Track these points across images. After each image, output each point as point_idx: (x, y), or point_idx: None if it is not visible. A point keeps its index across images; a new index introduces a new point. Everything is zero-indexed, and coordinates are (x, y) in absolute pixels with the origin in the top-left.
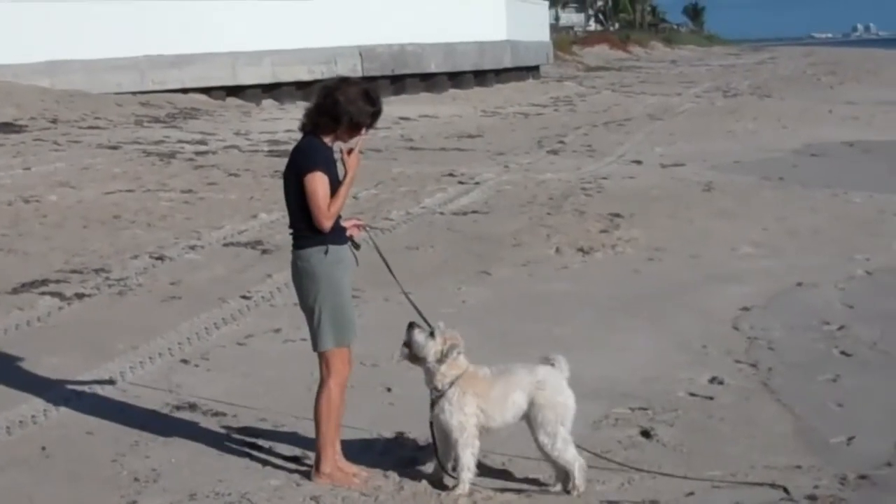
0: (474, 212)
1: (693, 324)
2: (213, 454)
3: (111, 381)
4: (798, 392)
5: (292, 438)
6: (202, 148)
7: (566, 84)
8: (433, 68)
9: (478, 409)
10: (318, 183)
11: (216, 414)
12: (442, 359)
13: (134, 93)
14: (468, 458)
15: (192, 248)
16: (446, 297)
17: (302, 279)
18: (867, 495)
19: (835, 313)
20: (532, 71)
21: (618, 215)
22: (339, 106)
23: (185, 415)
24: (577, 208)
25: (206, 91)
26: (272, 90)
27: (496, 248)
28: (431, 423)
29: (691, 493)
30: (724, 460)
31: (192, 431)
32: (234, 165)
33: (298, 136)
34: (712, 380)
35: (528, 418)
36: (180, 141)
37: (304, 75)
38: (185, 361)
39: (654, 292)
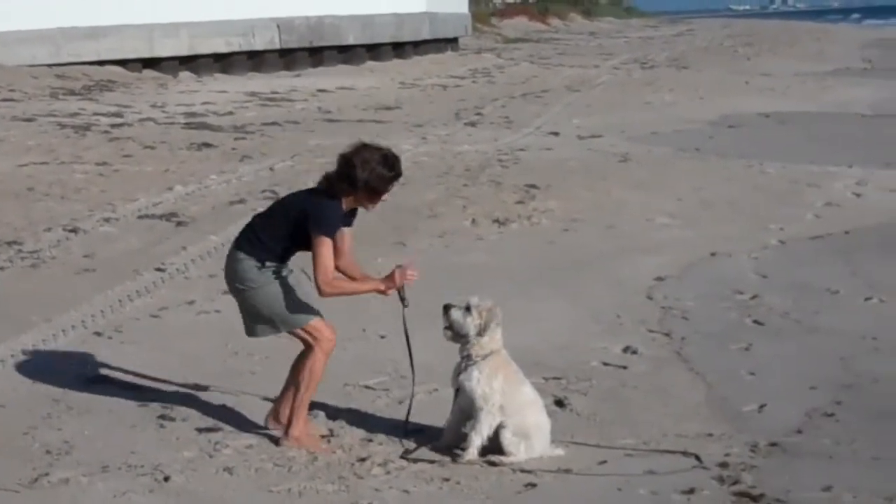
0: None
1: (608, 294)
2: (127, 426)
3: (24, 354)
4: (711, 361)
5: (206, 410)
6: (118, 120)
7: (485, 56)
8: (351, 40)
9: (502, 388)
10: (328, 248)
11: (129, 386)
12: (482, 332)
13: (49, 65)
14: (486, 428)
15: (107, 220)
16: (362, 267)
17: (235, 274)
18: (778, 462)
19: (748, 283)
20: (451, 43)
21: (534, 186)
22: (355, 172)
23: (99, 387)
24: (494, 179)
25: (123, 63)
26: (189, 62)
27: (412, 219)
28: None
29: (604, 462)
30: (636, 429)
31: (105, 404)
32: (150, 138)
33: (214, 107)
34: (626, 349)
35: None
36: (96, 113)
37: (221, 47)
38: (98, 334)
39: (569, 263)
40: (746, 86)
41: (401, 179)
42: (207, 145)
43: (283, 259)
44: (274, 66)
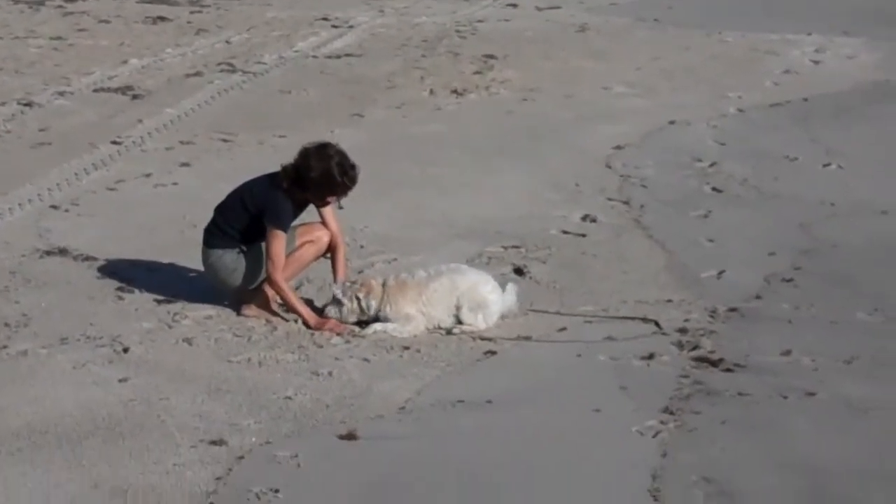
0: (348, 55)
1: (567, 163)
2: (84, 298)
3: None
4: (670, 228)
5: (164, 282)
6: None
7: None
8: None
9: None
10: (280, 241)
11: (87, 259)
12: (364, 308)
13: None
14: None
15: (62, 94)
16: (320, 139)
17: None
18: (736, 327)
19: (707, 150)
20: None
21: (492, 57)
22: (310, 176)
23: (56, 260)
24: (452, 50)
25: None
26: None
27: (370, 90)
28: None
29: (563, 329)
30: (596, 296)
31: (62, 276)
32: (105, 12)
33: None
34: (585, 217)
35: None
36: None
37: None
38: (54, 207)
39: (527, 133)
40: None
41: (355, 182)
42: (163, 19)
43: (252, 241)
44: None
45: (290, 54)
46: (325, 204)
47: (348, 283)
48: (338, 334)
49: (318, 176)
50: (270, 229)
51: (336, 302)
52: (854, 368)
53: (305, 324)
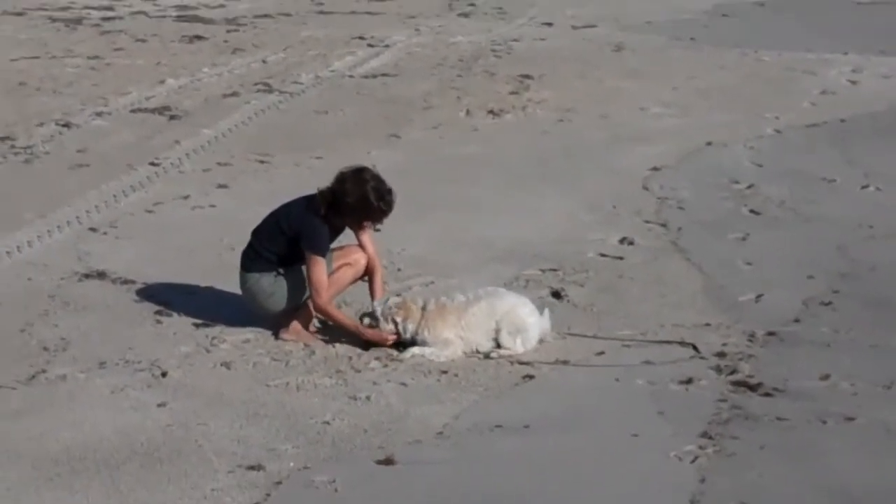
0: (384, 75)
1: (603, 184)
2: (123, 322)
3: (19, 251)
4: (707, 251)
5: (203, 305)
6: (109, 14)
7: None
8: None
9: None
10: (321, 267)
11: (125, 282)
12: (401, 331)
13: None
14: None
15: (99, 114)
16: (356, 160)
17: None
18: (775, 351)
19: (744, 172)
20: None
21: (528, 77)
22: (346, 202)
23: (94, 283)
24: (488, 70)
25: None
26: None
27: (406, 110)
28: None
29: (602, 353)
30: (633, 319)
31: (101, 300)
32: (142, 31)
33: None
34: (622, 240)
35: None
36: (86, 7)
37: None
38: (93, 230)
39: (564, 153)
40: None
41: (391, 205)
42: (199, 38)
43: (289, 265)
44: None
45: (327, 74)
46: (362, 228)
47: (389, 304)
48: (390, 344)
49: (355, 201)
50: (309, 255)
51: (373, 319)
52: (893, 393)
53: (361, 337)
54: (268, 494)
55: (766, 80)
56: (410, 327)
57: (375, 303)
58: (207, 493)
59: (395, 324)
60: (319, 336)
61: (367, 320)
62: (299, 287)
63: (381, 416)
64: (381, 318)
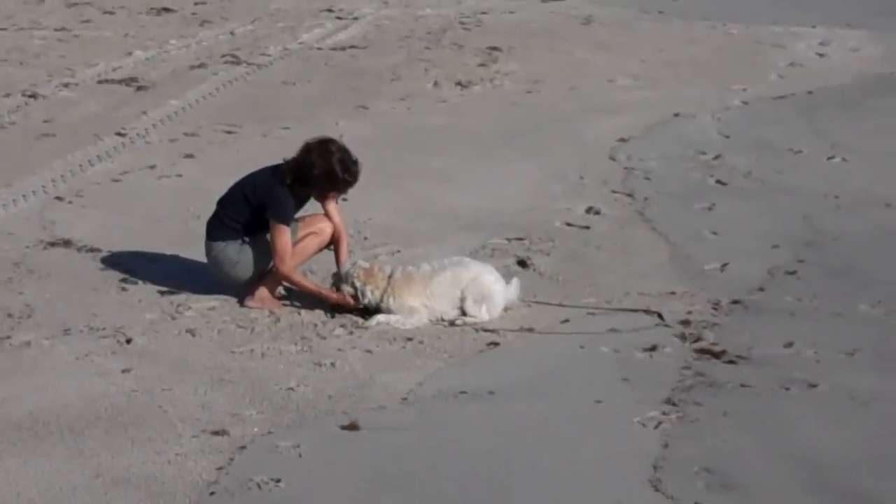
0: (352, 47)
1: (571, 155)
2: (88, 289)
3: None
4: (673, 220)
5: (168, 273)
6: None
7: None
8: None
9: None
10: (286, 236)
11: (91, 250)
12: (359, 295)
13: None
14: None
15: (66, 85)
16: (324, 131)
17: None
18: (739, 319)
19: (711, 143)
20: None
21: (496, 49)
22: (312, 173)
23: (60, 251)
24: (456, 42)
25: None
26: None
27: (374, 82)
28: None
29: (566, 321)
30: (599, 288)
31: (66, 268)
32: (110, 3)
33: None
34: (589, 210)
35: None
36: None
37: None
38: (59, 199)
39: (532, 125)
40: None
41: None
42: (167, 10)
43: (254, 233)
44: None
45: (295, 46)
46: (328, 198)
47: (355, 267)
48: (353, 308)
49: (321, 172)
50: (274, 224)
51: (338, 280)
52: (856, 360)
53: (327, 301)
54: (231, 459)
55: (735, 52)
56: (370, 293)
57: (343, 264)
58: (171, 458)
59: (355, 288)
60: (285, 303)
61: (333, 280)
62: (264, 255)
63: (345, 383)
64: (343, 279)
